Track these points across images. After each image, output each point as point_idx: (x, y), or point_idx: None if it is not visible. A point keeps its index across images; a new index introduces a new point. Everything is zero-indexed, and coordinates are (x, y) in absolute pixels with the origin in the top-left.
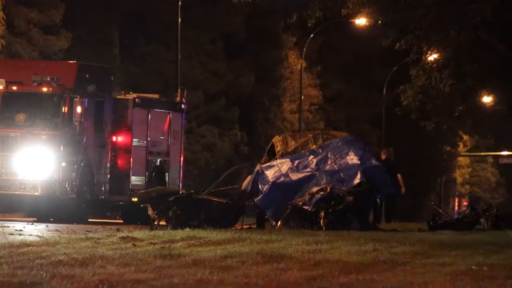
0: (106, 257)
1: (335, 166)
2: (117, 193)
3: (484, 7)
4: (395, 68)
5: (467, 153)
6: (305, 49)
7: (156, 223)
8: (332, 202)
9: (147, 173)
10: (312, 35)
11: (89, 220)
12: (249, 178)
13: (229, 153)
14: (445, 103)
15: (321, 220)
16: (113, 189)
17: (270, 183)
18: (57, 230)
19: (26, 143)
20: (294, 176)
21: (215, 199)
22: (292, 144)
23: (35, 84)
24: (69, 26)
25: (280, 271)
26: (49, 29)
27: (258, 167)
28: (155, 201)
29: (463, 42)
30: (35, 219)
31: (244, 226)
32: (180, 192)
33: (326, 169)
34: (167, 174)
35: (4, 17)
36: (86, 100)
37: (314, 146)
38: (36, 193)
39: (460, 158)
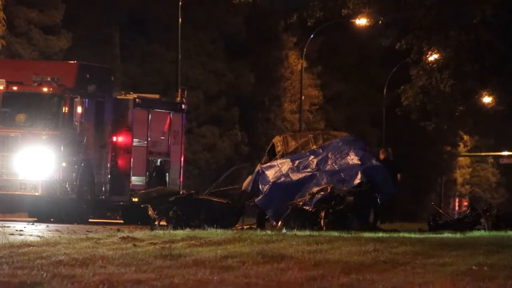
0: (106, 257)
1: (335, 166)
2: (118, 193)
3: (484, 7)
4: (395, 68)
5: (468, 153)
6: (305, 49)
7: (156, 223)
8: (333, 202)
9: (147, 173)
10: (312, 35)
11: (90, 220)
12: (249, 178)
13: (229, 153)
14: (445, 103)
15: (322, 220)
16: (113, 189)
17: (270, 183)
18: (57, 230)
19: (27, 143)
20: (295, 176)
21: (216, 199)
22: (293, 144)
23: (35, 84)
24: (70, 26)
25: (281, 271)
26: (50, 29)
27: (258, 167)
28: (155, 201)
29: (463, 42)
30: (35, 219)
31: (245, 226)
32: (181, 193)
33: (327, 169)
34: (167, 174)
35: (5, 17)
36: (87, 100)
37: (314, 146)
38: (37, 193)
39: (461, 158)
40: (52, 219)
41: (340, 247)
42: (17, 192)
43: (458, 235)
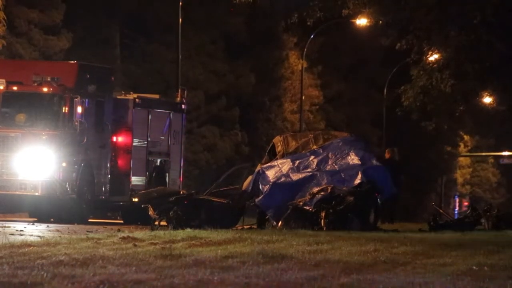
0: (106, 257)
1: (335, 166)
2: (118, 193)
3: (484, 7)
4: (395, 69)
5: (468, 154)
6: (305, 49)
7: (157, 223)
8: (333, 203)
9: (147, 174)
10: (312, 36)
11: (90, 220)
12: (249, 178)
13: (229, 153)
14: (446, 104)
15: (322, 221)
16: (113, 189)
17: (270, 183)
18: (58, 231)
19: (27, 143)
20: (295, 176)
21: (216, 200)
22: (293, 144)
23: (35, 84)
24: (70, 27)
25: (281, 271)
26: (50, 30)
27: (258, 167)
28: (156, 202)
29: (463, 42)
30: (35, 219)
31: (245, 226)
32: (181, 193)
33: (327, 169)
34: (167, 174)
35: (5, 17)
36: (87, 100)
37: (314, 146)
38: (37, 193)
39: (461, 158)
40: (52, 219)
41: (340, 247)
42: (17, 192)
43: (458, 235)
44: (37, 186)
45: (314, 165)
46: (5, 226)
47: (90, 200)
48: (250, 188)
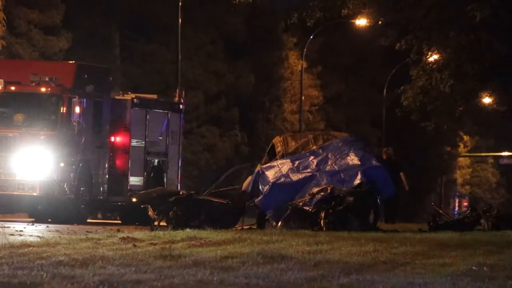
0: (106, 257)
1: (335, 166)
2: (116, 194)
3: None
4: (395, 69)
5: (468, 154)
6: (305, 50)
7: (156, 223)
8: (333, 203)
9: (145, 174)
10: (312, 36)
11: (88, 220)
12: (249, 178)
13: (229, 153)
14: (445, 104)
15: (322, 221)
16: (111, 189)
17: (270, 184)
18: (57, 231)
19: (25, 143)
20: (295, 177)
21: (216, 200)
22: (293, 144)
23: (33, 84)
24: (70, 27)
25: (281, 271)
26: (50, 30)
27: (258, 168)
28: (155, 202)
29: (463, 42)
30: (33, 219)
31: (245, 227)
32: (181, 193)
33: (327, 169)
34: (165, 174)
35: (5, 18)
36: (85, 100)
37: (314, 147)
38: (35, 194)
39: (461, 159)
40: (50, 219)
41: (340, 247)
42: (15, 192)
43: (458, 236)
44: (35, 186)
45: (313, 166)
46: (4, 227)
47: (88, 200)
48: (249, 188)
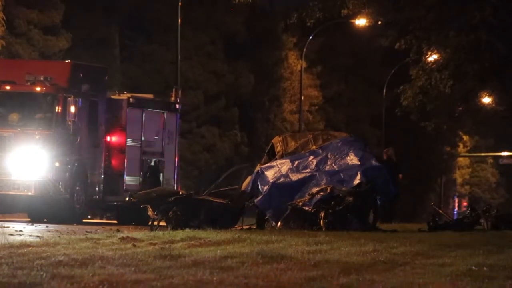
0: (106, 257)
1: (335, 166)
2: (111, 193)
3: (484, 7)
4: (395, 69)
5: (467, 154)
6: (305, 50)
7: (156, 223)
8: (332, 203)
9: (141, 173)
10: (312, 36)
11: (84, 220)
12: (249, 178)
13: (229, 153)
14: (445, 104)
15: (321, 221)
16: (107, 189)
17: (270, 184)
18: (57, 231)
19: (20, 143)
20: (294, 177)
21: (215, 200)
22: (292, 144)
23: (28, 83)
24: (69, 27)
25: (280, 271)
26: (49, 30)
27: (258, 168)
28: (155, 202)
29: (463, 42)
30: (29, 219)
31: (244, 227)
32: (180, 193)
33: (326, 169)
34: (161, 174)
35: (4, 18)
36: (80, 99)
37: (314, 147)
38: (30, 193)
39: (460, 159)
40: (46, 219)
41: (339, 247)
42: (10, 192)
43: (457, 236)
44: (30, 186)
45: (313, 166)
46: (4, 227)
47: (83, 200)
48: (249, 188)
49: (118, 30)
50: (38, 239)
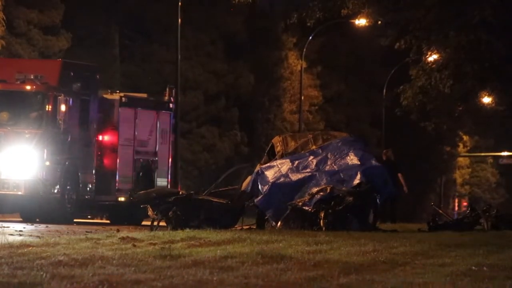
0: (106, 257)
1: (335, 166)
2: (103, 193)
3: (484, 7)
4: (394, 69)
5: (467, 154)
6: (305, 50)
7: (156, 223)
8: (332, 203)
9: (134, 173)
10: (312, 36)
11: (75, 220)
12: (249, 178)
13: (229, 153)
14: (445, 104)
15: (321, 221)
16: (99, 188)
17: (270, 184)
18: (57, 231)
19: (9, 142)
20: (294, 177)
21: (215, 200)
22: (292, 144)
23: (18, 82)
24: (69, 27)
25: (280, 271)
26: (49, 30)
27: (258, 168)
28: (155, 202)
29: (463, 42)
30: (20, 219)
31: (244, 227)
32: (180, 193)
33: (326, 169)
34: (154, 174)
35: (4, 18)
36: (71, 98)
37: (314, 147)
38: (20, 193)
39: (460, 159)
40: (38, 219)
41: (339, 247)
42: (0, 192)
43: (457, 236)
44: (20, 185)
45: (313, 166)
46: (4, 227)
47: (74, 200)
48: (249, 188)
49: (118, 30)
50: (38, 239)
